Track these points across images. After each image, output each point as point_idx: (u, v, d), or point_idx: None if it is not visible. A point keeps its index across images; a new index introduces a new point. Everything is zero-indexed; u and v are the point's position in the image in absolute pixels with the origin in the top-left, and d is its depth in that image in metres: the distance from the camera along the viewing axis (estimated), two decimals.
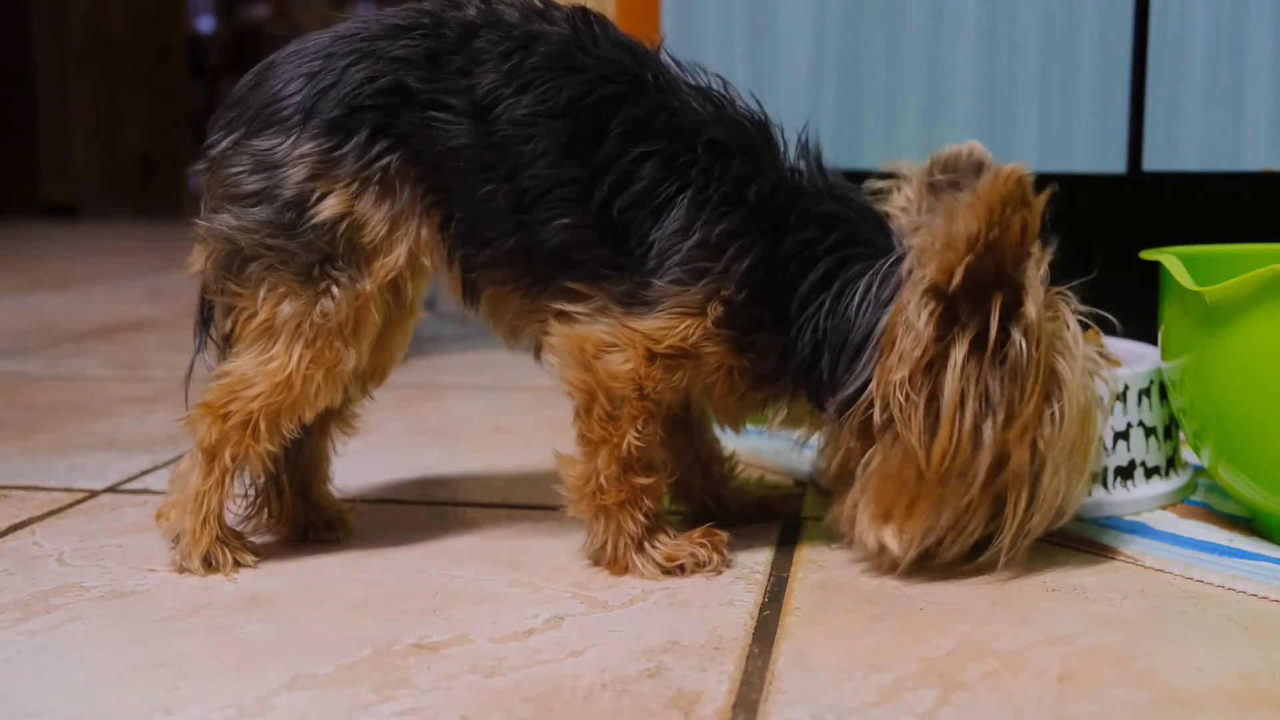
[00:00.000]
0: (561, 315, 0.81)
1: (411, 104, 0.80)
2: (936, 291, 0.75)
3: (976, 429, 0.76)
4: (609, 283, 0.80)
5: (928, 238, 0.76)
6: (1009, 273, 0.75)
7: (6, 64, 5.10)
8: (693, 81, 0.82)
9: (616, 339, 0.79)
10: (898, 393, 0.76)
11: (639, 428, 0.80)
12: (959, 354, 0.75)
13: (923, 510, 0.78)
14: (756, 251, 0.78)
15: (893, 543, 0.79)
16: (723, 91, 0.83)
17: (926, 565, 0.81)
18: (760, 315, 0.79)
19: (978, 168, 0.83)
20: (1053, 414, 0.77)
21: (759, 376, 0.82)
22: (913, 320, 0.76)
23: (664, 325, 0.78)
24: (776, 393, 0.83)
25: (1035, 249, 0.75)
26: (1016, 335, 0.75)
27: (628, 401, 0.79)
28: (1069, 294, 0.80)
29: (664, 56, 0.83)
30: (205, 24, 5.47)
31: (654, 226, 0.78)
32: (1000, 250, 0.74)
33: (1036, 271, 0.76)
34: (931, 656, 0.68)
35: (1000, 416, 0.76)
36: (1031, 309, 0.75)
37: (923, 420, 0.76)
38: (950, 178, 0.83)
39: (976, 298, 0.75)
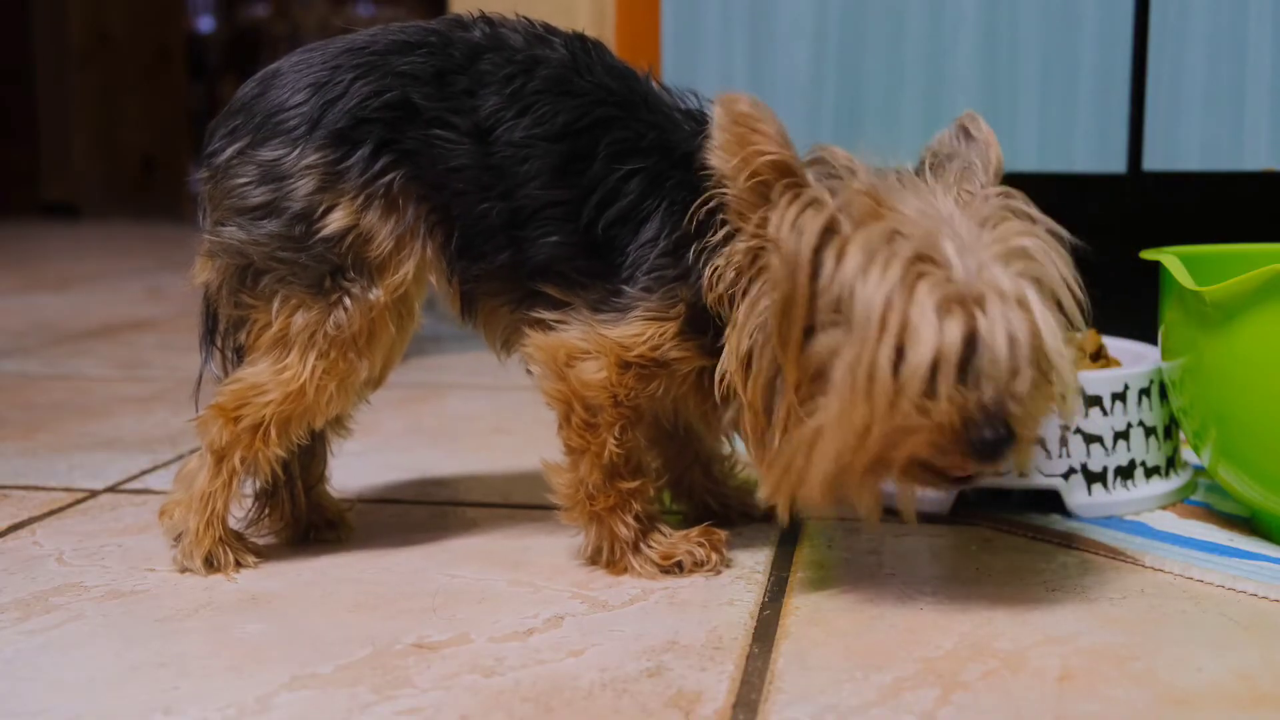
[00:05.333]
0: (539, 323, 0.81)
1: (416, 120, 0.80)
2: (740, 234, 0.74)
3: (764, 356, 0.72)
4: (585, 290, 0.80)
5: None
6: (773, 187, 0.72)
7: (6, 64, 5.10)
8: (683, 106, 0.83)
9: (590, 345, 0.79)
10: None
11: (617, 435, 0.80)
12: (747, 280, 0.74)
13: (755, 449, 0.75)
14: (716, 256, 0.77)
15: (762, 489, 0.76)
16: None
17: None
18: (724, 317, 0.78)
19: (964, 133, 0.79)
20: (827, 318, 0.70)
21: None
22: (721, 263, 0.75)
23: (634, 333, 0.79)
24: None
25: (784, 160, 0.71)
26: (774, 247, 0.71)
27: (603, 410, 0.80)
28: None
29: (653, 84, 0.84)
30: (205, 24, 5.45)
31: (632, 239, 0.79)
32: (745, 169, 0.72)
33: (820, 181, 0.72)
34: (931, 656, 0.68)
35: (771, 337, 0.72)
36: (775, 216, 0.71)
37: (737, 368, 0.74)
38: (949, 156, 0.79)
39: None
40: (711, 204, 0.75)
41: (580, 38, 0.84)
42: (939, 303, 0.67)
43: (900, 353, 0.67)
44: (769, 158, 0.72)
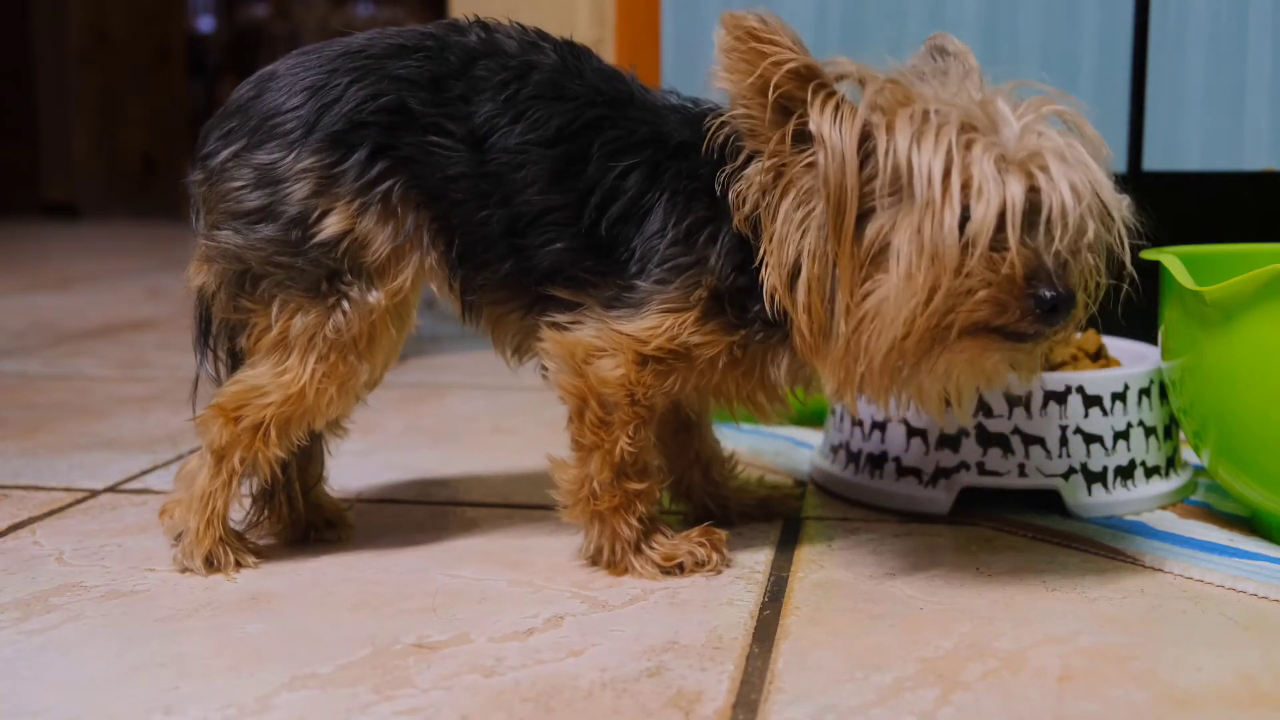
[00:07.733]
0: (553, 325, 0.81)
1: (413, 126, 0.80)
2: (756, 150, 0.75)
3: (816, 259, 0.73)
4: (595, 289, 0.80)
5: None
6: (796, 97, 0.73)
7: (6, 64, 5.10)
8: (667, 101, 0.83)
9: (605, 343, 0.79)
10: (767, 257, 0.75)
11: (630, 433, 0.80)
12: (775, 196, 0.74)
13: (816, 351, 0.75)
14: (728, 233, 0.78)
15: (827, 387, 0.77)
16: (694, 105, 0.83)
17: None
18: (751, 287, 0.78)
19: (938, 51, 0.81)
20: (878, 206, 0.71)
21: (766, 334, 0.80)
22: (750, 183, 0.76)
23: (650, 325, 0.79)
24: (781, 339, 0.80)
25: (803, 63, 0.73)
26: (817, 150, 0.72)
27: (619, 407, 0.80)
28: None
29: (638, 83, 0.84)
30: (205, 24, 5.46)
31: (637, 233, 0.79)
32: (762, 84, 0.73)
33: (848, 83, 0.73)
34: (931, 656, 0.68)
35: (824, 237, 0.72)
36: (816, 116, 0.72)
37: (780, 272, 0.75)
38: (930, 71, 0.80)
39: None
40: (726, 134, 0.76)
41: (569, 43, 0.84)
42: (997, 162, 0.70)
43: (966, 212, 0.69)
44: (790, 66, 0.72)
